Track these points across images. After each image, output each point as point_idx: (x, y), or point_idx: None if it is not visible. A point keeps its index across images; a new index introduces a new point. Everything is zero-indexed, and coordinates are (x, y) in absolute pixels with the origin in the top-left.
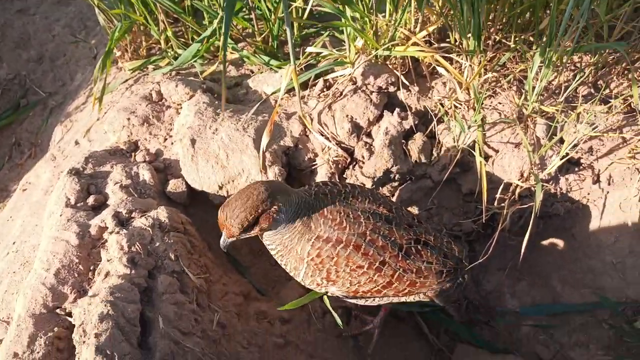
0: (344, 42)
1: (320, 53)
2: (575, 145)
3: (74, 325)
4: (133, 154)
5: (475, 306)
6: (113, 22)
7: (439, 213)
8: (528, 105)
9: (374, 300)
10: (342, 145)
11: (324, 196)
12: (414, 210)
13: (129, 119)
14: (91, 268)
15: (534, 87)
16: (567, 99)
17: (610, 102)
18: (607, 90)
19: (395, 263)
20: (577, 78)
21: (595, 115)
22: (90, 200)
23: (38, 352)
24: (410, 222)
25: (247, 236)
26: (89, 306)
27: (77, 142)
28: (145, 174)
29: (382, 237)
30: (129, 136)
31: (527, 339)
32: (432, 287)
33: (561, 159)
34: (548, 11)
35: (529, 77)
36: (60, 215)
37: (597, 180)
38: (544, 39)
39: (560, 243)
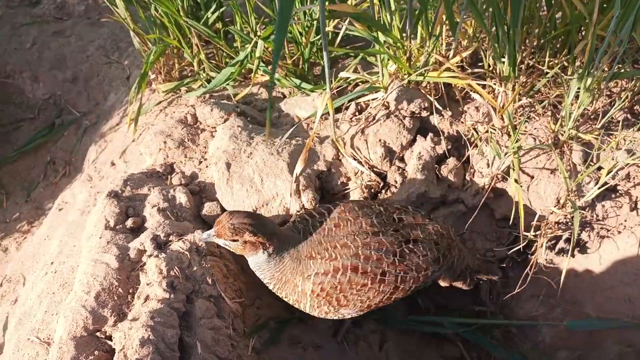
0: (375, 65)
1: (352, 77)
2: (613, 173)
3: (114, 349)
4: (169, 176)
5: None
6: (147, 45)
7: (472, 238)
8: (564, 132)
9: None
10: (375, 169)
11: (310, 235)
12: None
13: (165, 142)
14: (130, 291)
15: (570, 114)
16: (604, 125)
17: None
18: None
19: (394, 269)
20: (615, 104)
21: (633, 142)
22: (129, 222)
23: None
24: (395, 227)
25: (226, 247)
26: (129, 330)
27: (113, 163)
28: (181, 197)
29: (375, 251)
30: (165, 159)
31: None
32: (435, 274)
33: (599, 188)
34: (581, 35)
35: (565, 103)
36: (100, 238)
37: (634, 207)
38: (579, 64)
39: (595, 269)
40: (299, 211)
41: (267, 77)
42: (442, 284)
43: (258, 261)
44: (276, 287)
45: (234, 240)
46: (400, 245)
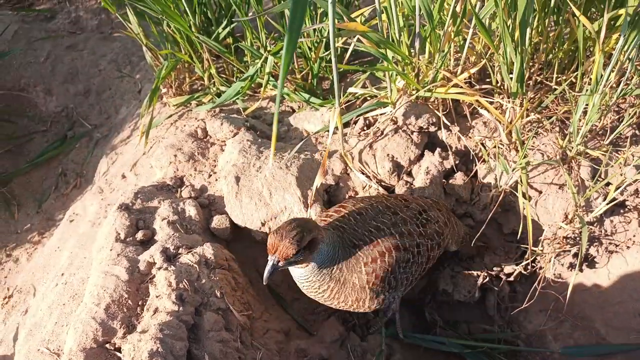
0: (383, 80)
1: (360, 92)
2: (622, 189)
3: None
4: (179, 189)
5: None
6: (159, 59)
7: (480, 253)
8: (572, 147)
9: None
10: (383, 183)
11: (341, 230)
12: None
13: (175, 155)
14: (139, 303)
15: (578, 130)
16: (612, 141)
17: None
18: None
19: (424, 240)
20: (623, 121)
21: None
22: (139, 235)
23: None
24: (405, 204)
25: (296, 263)
26: (138, 342)
27: (123, 176)
28: (191, 210)
29: (404, 226)
30: (175, 172)
31: None
32: (447, 238)
33: (608, 203)
34: (589, 52)
35: (573, 119)
36: (111, 250)
37: None
38: (587, 80)
39: (603, 284)
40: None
41: (276, 92)
42: (452, 248)
43: (320, 260)
44: (334, 292)
45: (299, 252)
46: (418, 217)
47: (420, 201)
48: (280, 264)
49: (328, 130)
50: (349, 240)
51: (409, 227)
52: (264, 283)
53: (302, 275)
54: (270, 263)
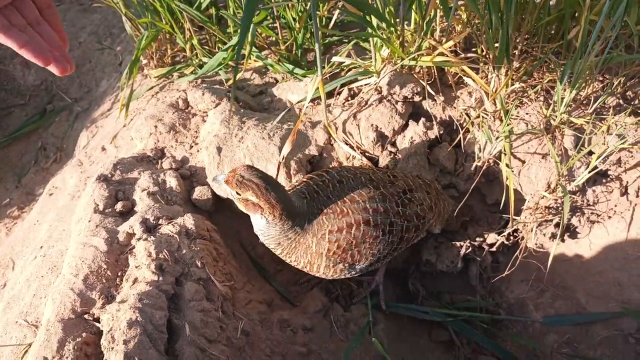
0: (368, 50)
1: (345, 62)
2: (604, 157)
3: (102, 331)
4: (160, 160)
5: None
6: (140, 30)
7: (464, 223)
8: (556, 116)
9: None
10: (367, 154)
11: (316, 194)
12: None
13: (156, 126)
14: (119, 274)
15: (562, 99)
16: (596, 109)
17: (639, 113)
18: (637, 101)
19: (399, 219)
20: (606, 89)
21: (624, 127)
22: (118, 206)
23: (67, 357)
24: (390, 180)
25: (231, 198)
26: (117, 312)
27: (103, 148)
28: (172, 181)
29: (381, 203)
30: (155, 143)
31: (551, 351)
32: (430, 222)
33: (590, 172)
34: (574, 23)
35: (557, 88)
36: (89, 221)
37: (625, 192)
38: (572, 49)
39: (585, 254)
40: (297, 181)
41: (260, 63)
42: (435, 230)
43: (258, 224)
44: (284, 253)
45: (237, 193)
46: (400, 196)
47: (410, 180)
48: (222, 183)
49: (311, 101)
50: (316, 208)
51: (386, 204)
52: (210, 183)
53: (256, 226)
54: (221, 175)
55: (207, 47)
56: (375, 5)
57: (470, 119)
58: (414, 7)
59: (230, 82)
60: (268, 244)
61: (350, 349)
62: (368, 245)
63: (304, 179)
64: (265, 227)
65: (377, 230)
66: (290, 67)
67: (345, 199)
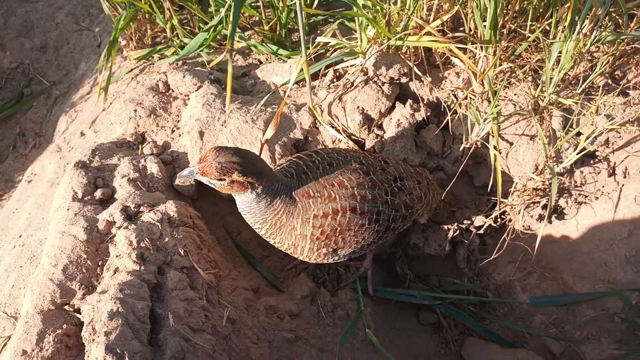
0: (354, 30)
1: (330, 42)
2: (592, 139)
3: (82, 323)
4: (140, 146)
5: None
6: (118, 10)
7: (450, 213)
8: (545, 97)
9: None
10: (353, 137)
11: (305, 175)
12: None
13: (135, 110)
14: (99, 263)
15: (551, 79)
16: (584, 90)
17: (628, 93)
18: (625, 81)
19: (387, 208)
20: (596, 69)
21: (613, 107)
22: (98, 193)
23: (47, 350)
24: (381, 167)
25: (210, 186)
26: (98, 303)
27: (82, 134)
28: (153, 167)
29: (369, 190)
30: (135, 128)
31: (538, 332)
32: (418, 212)
33: (578, 154)
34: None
35: (546, 68)
36: (68, 210)
37: (612, 173)
38: (561, 28)
39: (572, 235)
40: (285, 159)
41: (243, 44)
42: (422, 221)
43: (246, 201)
44: (269, 232)
45: (221, 180)
46: (391, 184)
47: (402, 167)
48: (198, 176)
49: (296, 83)
50: (304, 189)
51: (375, 192)
52: (174, 183)
53: (243, 203)
54: (190, 169)
55: (188, 28)
56: None
57: (457, 100)
58: None
59: (213, 63)
60: (255, 222)
61: (344, 339)
62: (353, 233)
63: (292, 158)
64: (255, 201)
65: (364, 219)
66: (274, 47)
67: (334, 182)
